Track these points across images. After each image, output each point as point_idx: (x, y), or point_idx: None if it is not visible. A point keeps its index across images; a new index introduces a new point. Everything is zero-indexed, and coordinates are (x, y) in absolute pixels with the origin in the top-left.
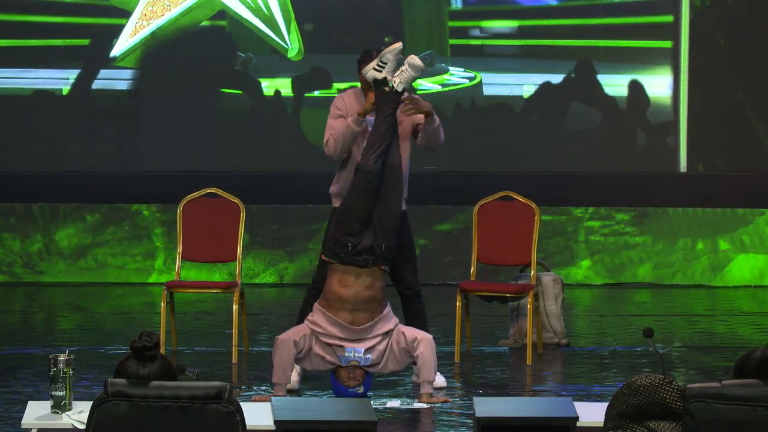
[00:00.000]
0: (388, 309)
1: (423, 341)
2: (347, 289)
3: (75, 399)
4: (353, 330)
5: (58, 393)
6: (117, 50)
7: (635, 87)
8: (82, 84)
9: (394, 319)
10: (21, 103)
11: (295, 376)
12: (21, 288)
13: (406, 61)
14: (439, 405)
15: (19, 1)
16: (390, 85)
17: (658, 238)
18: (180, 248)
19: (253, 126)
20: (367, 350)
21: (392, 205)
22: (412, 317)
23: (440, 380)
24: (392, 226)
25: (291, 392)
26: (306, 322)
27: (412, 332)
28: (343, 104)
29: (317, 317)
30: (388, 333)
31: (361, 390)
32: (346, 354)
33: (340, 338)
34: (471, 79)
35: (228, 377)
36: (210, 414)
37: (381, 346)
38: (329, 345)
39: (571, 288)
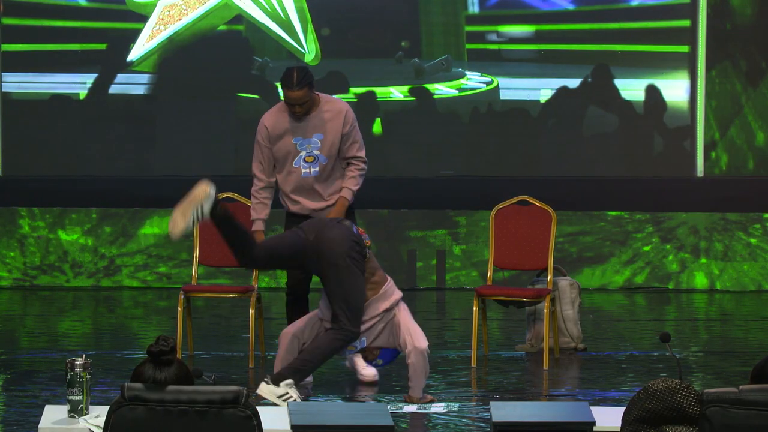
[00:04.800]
0: (386, 287)
1: (414, 352)
2: None
3: (92, 403)
4: None
5: (75, 397)
6: (134, 54)
7: (652, 91)
8: (99, 88)
9: (395, 296)
10: (38, 108)
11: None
12: (37, 292)
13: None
14: (427, 405)
15: (37, 6)
16: None
17: (675, 243)
18: (197, 253)
19: None
20: (362, 332)
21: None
22: None
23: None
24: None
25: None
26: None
27: (405, 335)
28: (266, 134)
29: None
30: (385, 311)
31: (379, 363)
32: None
33: None
34: (488, 83)
35: (245, 382)
36: (226, 418)
37: (378, 327)
38: None
39: (588, 292)
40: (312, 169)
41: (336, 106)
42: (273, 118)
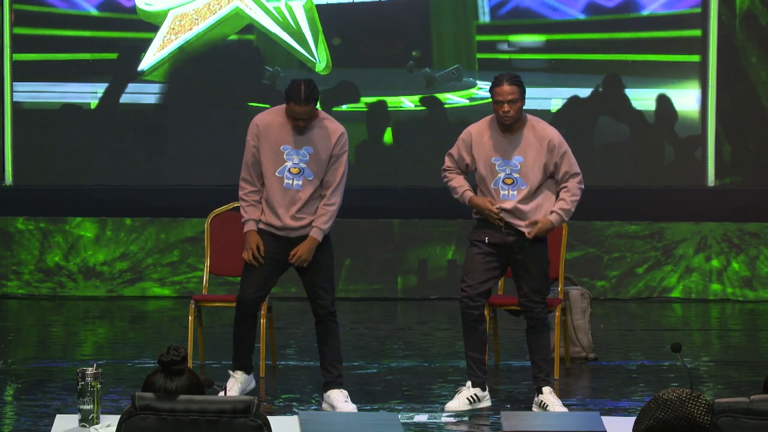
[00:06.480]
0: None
1: None
2: None
3: (103, 413)
4: None
5: (86, 406)
6: (145, 64)
7: (663, 101)
8: (110, 98)
9: None
10: (49, 117)
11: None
12: (48, 301)
13: None
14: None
15: (48, 16)
16: None
17: (685, 253)
18: (207, 262)
19: None
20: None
21: None
22: (325, 338)
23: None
24: None
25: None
26: None
27: None
28: (256, 131)
29: None
30: None
31: None
32: None
33: None
34: None
35: (255, 391)
36: (237, 428)
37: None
38: None
39: (599, 302)
40: (295, 182)
41: (334, 125)
42: (266, 118)
